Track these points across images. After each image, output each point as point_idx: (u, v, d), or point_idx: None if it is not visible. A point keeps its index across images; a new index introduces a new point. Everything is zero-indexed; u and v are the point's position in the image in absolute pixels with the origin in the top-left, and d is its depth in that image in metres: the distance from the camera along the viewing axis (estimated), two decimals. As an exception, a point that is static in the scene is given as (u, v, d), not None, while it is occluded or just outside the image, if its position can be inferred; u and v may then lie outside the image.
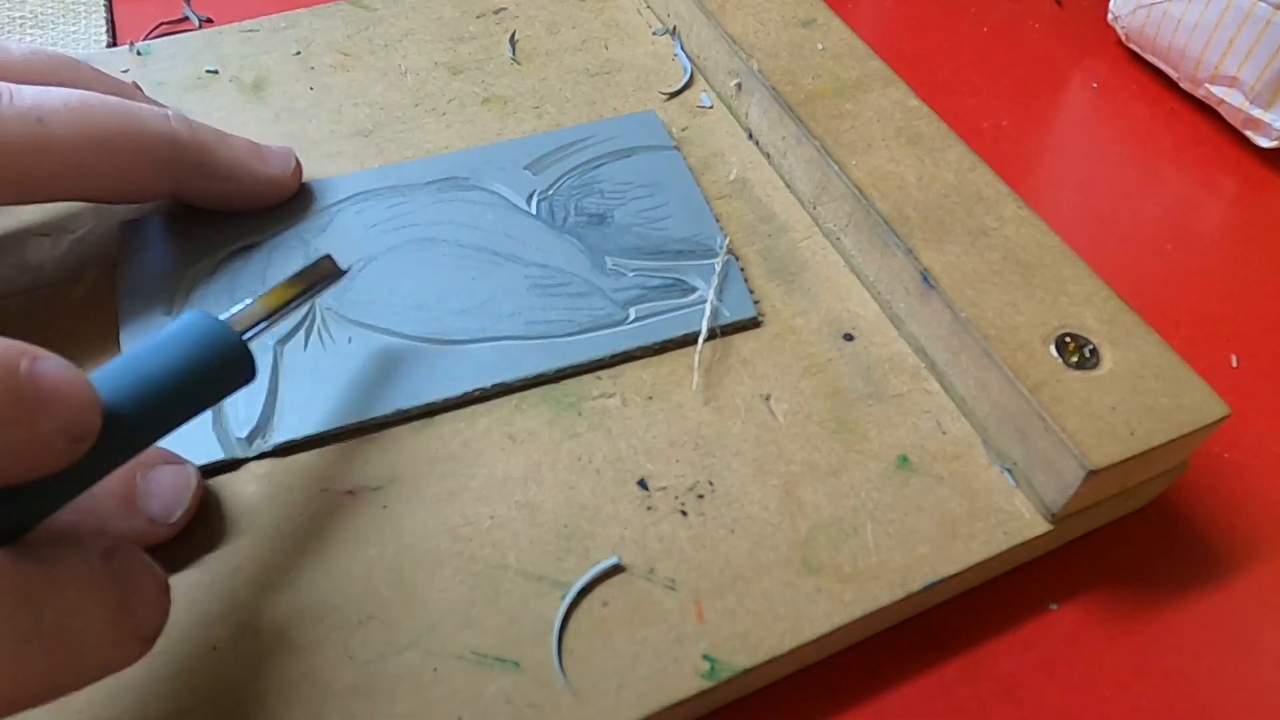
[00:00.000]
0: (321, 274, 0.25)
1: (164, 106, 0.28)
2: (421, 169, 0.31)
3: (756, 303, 0.28)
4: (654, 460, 0.25)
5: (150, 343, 0.20)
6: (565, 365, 0.26)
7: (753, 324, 0.28)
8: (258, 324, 0.22)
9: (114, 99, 0.26)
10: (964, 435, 0.26)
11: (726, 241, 0.29)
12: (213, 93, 0.34)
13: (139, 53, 0.35)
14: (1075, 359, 0.24)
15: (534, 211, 0.30)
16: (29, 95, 0.24)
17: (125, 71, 0.34)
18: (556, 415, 0.26)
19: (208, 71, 0.35)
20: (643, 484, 0.24)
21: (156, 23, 0.39)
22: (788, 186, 0.32)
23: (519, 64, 0.36)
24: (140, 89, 0.31)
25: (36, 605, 0.17)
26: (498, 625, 0.22)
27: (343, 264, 0.26)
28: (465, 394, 0.26)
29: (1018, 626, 0.25)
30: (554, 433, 0.25)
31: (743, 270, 0.29)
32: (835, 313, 0.28)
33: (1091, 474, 0.22)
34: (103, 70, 0.28)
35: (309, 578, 0.22)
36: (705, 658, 0.21)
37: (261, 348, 0.25)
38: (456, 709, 0.21)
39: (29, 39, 0.38)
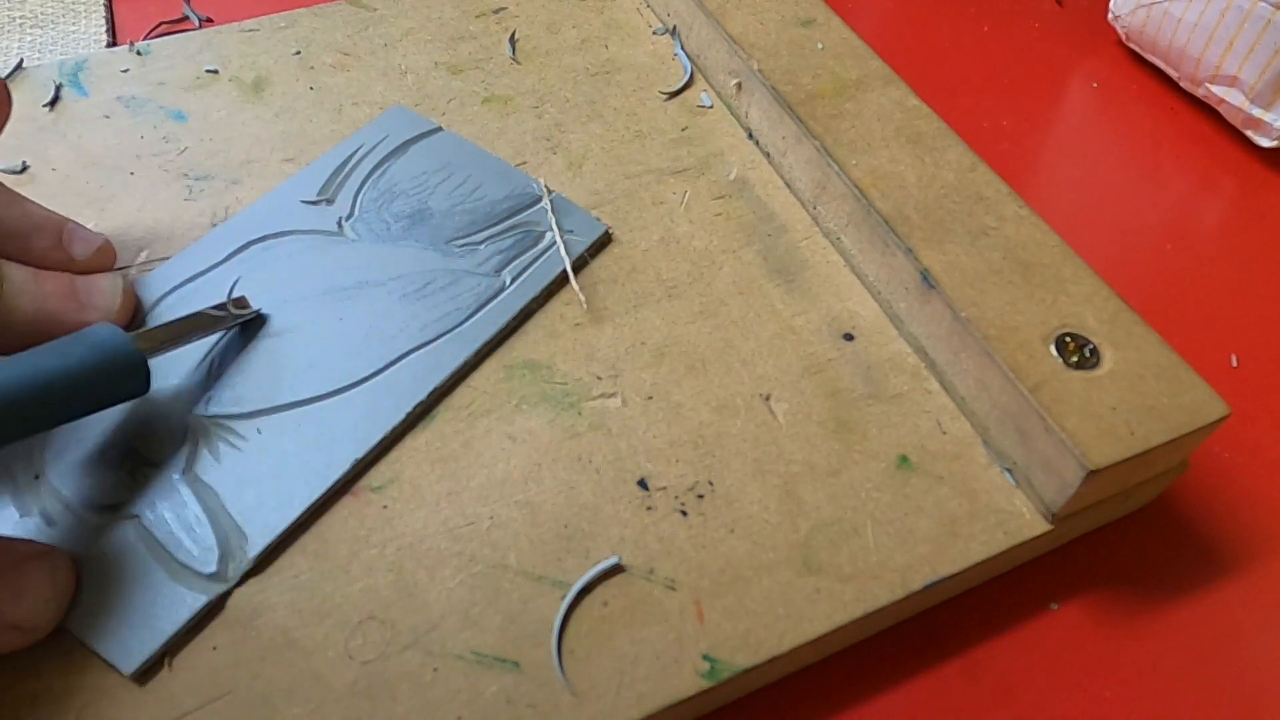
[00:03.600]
0: (233, 313, 0.26)
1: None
2: (210, 248, 0.29)
3: (598, 219, 0.30)
4: (654, 460, 0.25)
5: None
6: (480, 345, 0.27)
7: (607, 239, 0.30)
8: (159, 343, 0.23)
9: None
10: (964, 435, 0.26)
11: (543, 182, 0.31)
12: (213, 92, 0.34)
13: (139, 52, 0.35)
14: (1075, 359, 0.24)
15: (354, 236, 0.29)
16: None
17: (125, 71, 0.34)
18: (556, 415, 0.26)
19: (208, 71, 0.35)
20: (643, 484, 0.24)
21: (156, 22, 0.39)
22: (788, 186, 0.32)
23: (519, 64, 0.36)
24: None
25: None
26: (498, 625, 0.22)
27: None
28: (409, 414, 0.25)
29: (1018, 626, 0.25)
30: (554, 433, 0.25)
31: (566, 198, 0.31)
32: (835, 313, 0.28)
33: (1091, 474, 0.22)
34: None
35: (309, 578, 0.22)
36: (705, 658, 0.21)
37: (168, 483, 0.23)
38: (456, 709, 0.21)
39: (29, 39, 0.38)
